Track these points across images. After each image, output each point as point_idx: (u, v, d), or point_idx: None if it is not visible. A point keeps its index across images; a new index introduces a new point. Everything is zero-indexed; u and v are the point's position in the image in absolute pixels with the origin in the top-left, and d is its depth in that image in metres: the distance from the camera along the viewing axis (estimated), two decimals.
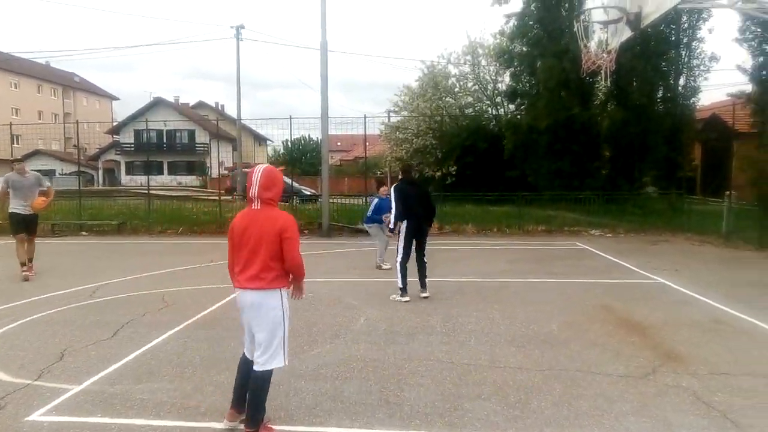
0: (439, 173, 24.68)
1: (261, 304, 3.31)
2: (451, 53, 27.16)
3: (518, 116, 23.32)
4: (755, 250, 11.77)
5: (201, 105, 57.55)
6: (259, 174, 3.31)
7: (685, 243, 13.26)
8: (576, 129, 18.44)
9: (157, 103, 49.31)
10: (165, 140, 49.94)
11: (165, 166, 48.38)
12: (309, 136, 46.21)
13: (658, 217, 15.84)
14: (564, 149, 18.65)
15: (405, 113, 28.39)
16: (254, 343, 3.39)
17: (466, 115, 26.78)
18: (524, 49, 21.13)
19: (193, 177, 45.42)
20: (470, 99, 28.19)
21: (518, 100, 23.45)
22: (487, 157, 23.08)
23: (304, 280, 3.54)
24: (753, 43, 16.96)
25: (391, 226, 7.52)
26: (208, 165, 42.02)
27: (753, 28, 16.08)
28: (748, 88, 18.08)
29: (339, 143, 53.83)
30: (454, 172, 24.21)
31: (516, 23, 21.12)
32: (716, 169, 22.44)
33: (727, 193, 14.07)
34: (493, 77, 27.05)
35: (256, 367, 3.33)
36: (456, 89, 28.09)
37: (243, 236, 3.32)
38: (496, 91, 27.00)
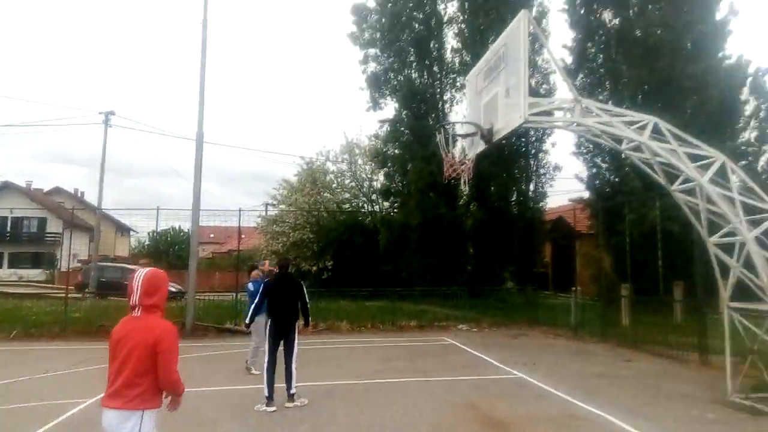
0: (315, 268, 24.56)
1: (115, 427, 2.89)
2: (329, 151, 28.27)
3: (392, 213, 24.42)
4: (599, 342, 12.92)
5: (57, 191, 52.68)
6: (141, 278, 3.07)
7: (541, 336, 14.23)
8: (444, 227, 19.68)
9: (3, 188, 44.40)
10: (9, 229, 44.46)
11: (5, 258, 42.89)
12: (179, 227, 43.51)
13: (518, 312, 16.95)
14: (433, 246, 19.69)
15: (283, 207, 28.46)
16: None
17: (343, 211, 27.47)
18: (397, 151, 22.62)
19: (40, 270, 40.52)
20: (347, 195, 29.12)
21: (392, 198, 24.65)
22: (363, 251, 23.56)
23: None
24: (587, 156, 19.76)
25: (246, 320, 7.20)
26: (58, 257, 37.98)
27: (587, 144, 18.80)
28: (585, 194, 20.82)
29: (212, 235, 51.75)
30: (330, 267, 24.28)
31: (389, 128, 22.69)
32: (564, 266, 24.94)
33: (574, 288, 15.57)
34: (369, 176, 28.37)
35: None
36: (334, 185, 28.94)
37: (117, 347, 3.01)
38: (372, 189, 28.22)
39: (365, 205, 28.79)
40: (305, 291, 7.19)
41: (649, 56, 16.90)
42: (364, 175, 28.64)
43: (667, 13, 16.46)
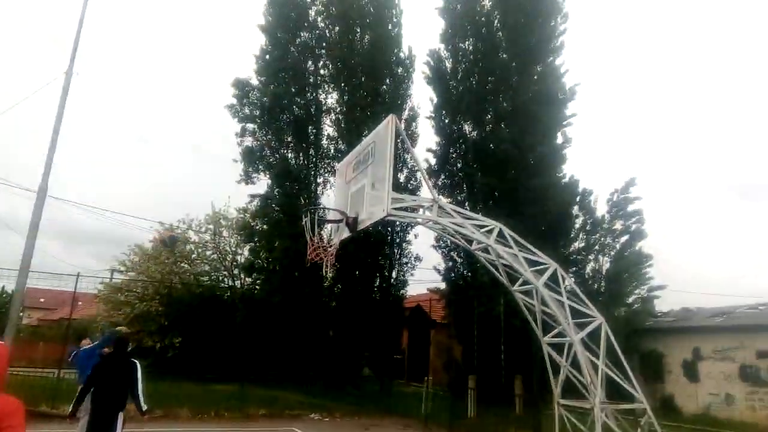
0: (160, 344, 22.46)
1: None
2: (193, 219, 26.96)
3: (254, 290, 23.56)
4: None
5: None
6: None
7: (392, 427, 14.18)
8: (306, 308, 19.37)
9: None
10: None
11: None
12: (3, 287, 37.47)
13: (372, 400, 16.85)
14: (294, 327, 19.20)
15: (132, 274, 26.15)
16: None
17: (201, 284, 25.92)
18: (265, 227, 22.25)
19: None
20: (207, 267, 27.64)
21: (255, 274, 23.87)
22: (217, 329, 22.15)
23: None
24: (445, 250, 21.12)
25: (70, 408, 6.27)
26: None
27: (445, 239, 20.13)
28: (442, 285, 22.02)
29: (42, 299, 45.41)
30: (177, 344, 22.36)
31: (260, 203, 22.40)
32: (419, 355, 25.62)
33: (426, 378, 15.96)
34: (233, 249, 27.35)
35: None
36: (194, 256, 27.39)
37: None
38: (235, 263, 27.14)
39: (225, 280, 27.48)
40: (139, 374, 6.41)
41: (499, 167, 19.05)
42: (228, 248, 27.55)
43: (515, 133, 18.89)
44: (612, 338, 8.16)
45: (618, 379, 8.10)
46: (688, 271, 56.48)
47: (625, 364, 8.19)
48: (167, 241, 6.61)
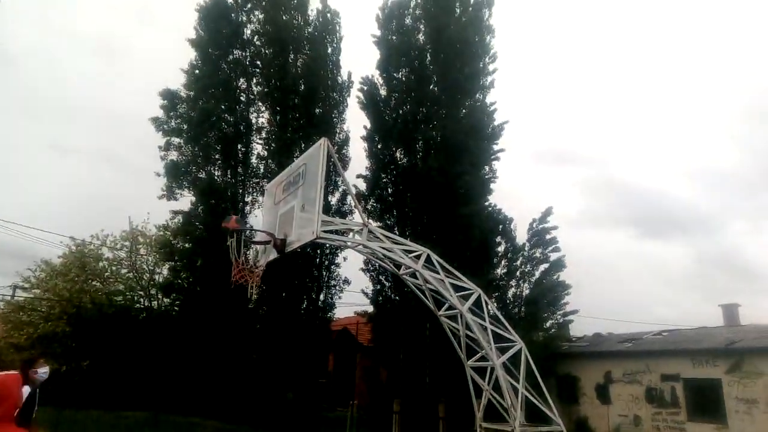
0: (66, 367, 20.82)
1: None
2: (108, 235, 25.44)
3: (173, 311, 22.46)
4: None
5: None
6: None
7: None
8: (228, 330, 18.69)
9: None
10: None
11: None
12: None
13: (294, 425, 16.42)
14: (215, 350, 18.45)
15: (37, 291, 24.22)
16: None
17: (114, 304, 24.39)
18: (187, 245, 21.36)
19: None
20: (122, 287, 26.10)
21: (174, 294, 22.79)
22: (130, 352, 20.85)
23: None
24: (373, 273, 21.18)
25: None
26: None
27: (373, 262, 20.21)
28: (370, 308, 22.01)
29: None
30: (86, 367, 20.83)
31: (182, 221, 21.52)
32: (345, 378, 25.33)
33: (351, 402, 15.80)
34: (151, 267, 26.02)
35: None
36: (107, 274, 25.79)
37: None
38: (153, 283, 25.80)
39: (142, 300, 26.03)
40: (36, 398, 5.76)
41: (428, 194, 19.52)
42: (145, 267, 26.16)
43: (443, 161, 19.48)
44: (531, 362, 8.48)
45: (536, 402, 8.41)
46: (600, 297, 59.98)
47: (543, 387, 8.52)
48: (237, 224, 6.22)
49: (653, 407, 17.84)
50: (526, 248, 20.64)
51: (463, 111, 20.95)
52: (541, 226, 20.71)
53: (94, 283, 24.85)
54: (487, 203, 20.59)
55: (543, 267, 20.57)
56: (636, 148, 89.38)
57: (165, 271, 24.26)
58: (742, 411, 15.70)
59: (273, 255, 8.53)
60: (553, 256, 20.54)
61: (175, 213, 21.74)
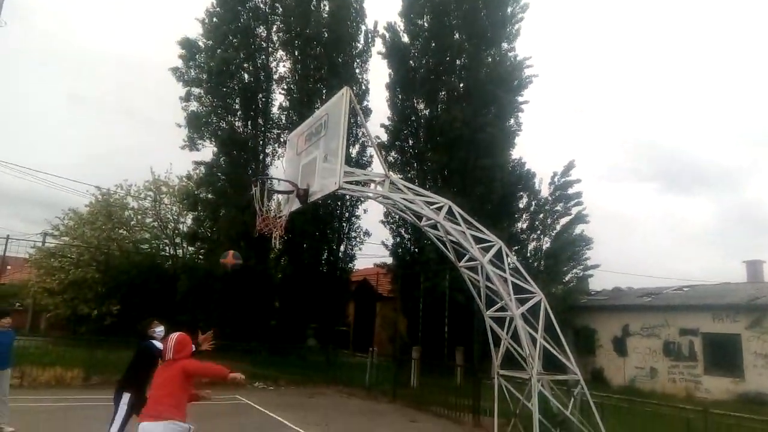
0: (96, 312, 21.68)
1: None
2: (131, 185, 25.87)
3: (197, 260, 22.99)
4: (389, 402, 13.53)
5: None
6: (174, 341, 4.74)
7: (336, 395, 14.40)
8: (251, 279, 19.10)
9: None
10: None
11: None
12: None
13: (316, 370, 16.99)
14: (239, 298, 18.93)
15: (66, 239, 24.96)
16: None
17: (141, 252, 25.06)
18: (210, 196, 21.59)
19: None
20: (147, 235, 26.73)
21: (198, 243, 23.26)
22: (158, 298, 21.54)
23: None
24: (393, 226, 21.31)
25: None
26: None
27: (393, 214, 20.29)
28: (389, 260, 22.27)
29: None
30: (115, 312, 21.65)
31: (204, 171, 21.68)
32: (365, 327, 25.96)
33: (371, 348, 16.23)
34: (176, 217, 26.51)
35: None
36: (133, 223, 26.39)
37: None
38: (177, 232, 26.35)
39: (167, 248, 26.67)
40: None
41: (450, 146, 19.28)
42: (169, 216, 26.67)
43: (467, 113, 19.12)
44: (550, 313, 8.55)
45: (554, 352, 8.53)
46: (621, 252, 59.63)
47: (561, 338, 8.62)
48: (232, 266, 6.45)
49: (670, 360, 18.01)
50: (548, 202, 20.48)
51: (488, 59, 20.38)
52: (563, 179, 20.42)
53: (120, 231, 25.50)
54: (510, 156, 20.34)
55: (564, 221, 20.44)
56: (660, 102, 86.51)
57: (189, 221, 24.71)
58: (760, 365, 15.78)
59: (296, 205, 8.57)
60: (575, 210, 20.38)
61: (198, 164, 21.88)
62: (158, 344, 6.06)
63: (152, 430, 4.32)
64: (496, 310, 8.93)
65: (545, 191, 20.61)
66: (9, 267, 29.23)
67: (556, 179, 20.52)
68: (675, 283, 22.67)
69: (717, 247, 64.56)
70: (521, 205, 20.84)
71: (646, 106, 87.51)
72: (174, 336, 4.79)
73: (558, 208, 20.47)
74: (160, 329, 6.38)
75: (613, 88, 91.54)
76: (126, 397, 5.91)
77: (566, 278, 20.34)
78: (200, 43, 21.58)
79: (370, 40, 23.16)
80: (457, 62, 20.69)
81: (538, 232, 20.39)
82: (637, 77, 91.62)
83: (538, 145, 66.48)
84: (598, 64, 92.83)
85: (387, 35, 21.89)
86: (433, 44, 20.93)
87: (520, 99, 20.91)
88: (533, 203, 20.58)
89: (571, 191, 20.33)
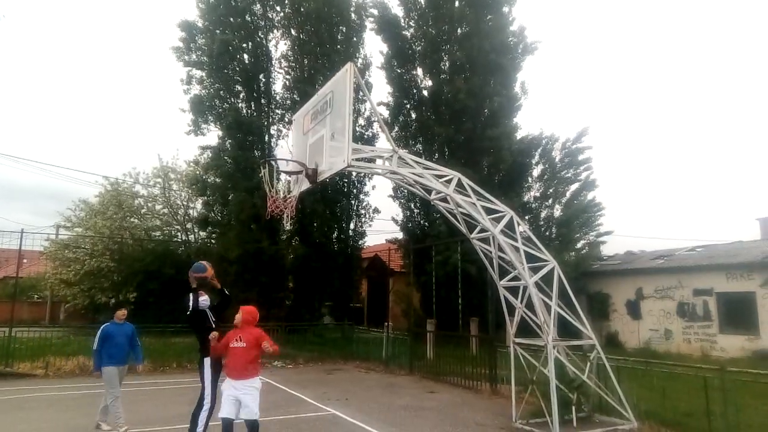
0: (114, 300, 22.05)
1: None
2: (139, 173, 26.00)
3: (209, 244, 23.17)
4: (407, 374, 13.74)
5: None
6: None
7: (354, 371, 14.63)
8: (264, 261, 19.25)
9: None
10: None
11: None
12: None
13: (334, 346, 17.23)
14: (253, 279, 19.10)
15: (79, 230, 25.25)
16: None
17: (153, 239, 25.30)
18: (218, 180, 21.62)
19: None
20: (158, 222, 26.95)
21: (210, 228, 23.41)
22: (173, 283, 21.80)
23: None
24: (402, 201, 21.30)
25: None
26: None
27: (402, 190, 20.26)
28: (400, 235, 22.33)
29: None
30: (132, 300, 22.00)
31: (211, 156, 21.68)
32: (379, 302, 26.18)
33: (386, 323, 16.40)
34: (185, 203, 26.67)
35: None
36: (143, 210, 26.59)
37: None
38: (188, 217, 26.54)
39: (179, 234, 26.89)
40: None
41: (455, 117, 19.09)
42: (179, 202, 26.84)
43: (472, 83, 18.85)
44: (564, 280, 8.55)
45: (569, 318, 8.57)
46: (633, 214, 59.31)
47: (575, 304, 8.64)
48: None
49: (684, 321, 18.06)
50: (558, 167, 20.36)
51: (489, 25, 19.96)
52: (574, 146, 20.23)
53: (132, 219, 25.75)
54: (517, 124, 20.15)
55: (574, 187, 20.33)
56: (675, 60, 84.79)
57: (199, 206, 24.86)
58: None
59: (305, 185, 8.55)
60: (584, 176, 20.25)
61: (204, 148, 21.88)
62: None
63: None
64: (509, 280, 8.95)
65: (558, 157, 20.49)
66: (25, 260, 29.69)
67: (567, 144, 20.33)
68: (688, 243, 22.58)
69: (732, 204, 63.98)
70: (535, 173, 20.72)
71: (657, 60, 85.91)
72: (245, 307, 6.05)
73: (569, 174, 20.33)
74: (204, 298, 6.59)
75: (626, 46, 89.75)
76: (207, 361, 6.27)
77: (579, 245, 20.32)
78: (200, 25, 21.33)
79: (365, 12, 22.82)
80: (458, 31, 20.32)
81: (551, 199, 20.30)
82: (647, 33, 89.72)
83: (555, 108, 65.65)
84: (617, 23, 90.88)
85: (375, 11, 21.57)
86: (431, 13, 20.55)
87: (524, 65, 20.66)
88: (548, 171, 20.42)
89: (581, 157, 20.18)
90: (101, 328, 7.73)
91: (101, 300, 22.51)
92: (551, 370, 7.59)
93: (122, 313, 8.06)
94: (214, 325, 6.34)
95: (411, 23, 21.45)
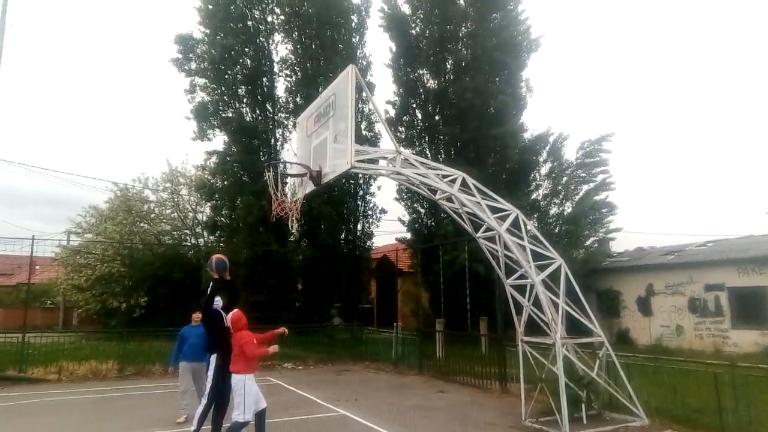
0: (125, 305, 22.22)
1: None
2: (148, 178, 26.18)
3: (218, 248, 23.28)
4: (416, 374, 13.73)
5: None
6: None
7: (364, 371, 14.64)
8: (273, 263, 19.35)
9: None
10: None
11: None
12: None
13: (343, 347, 17.26)
14: (262, 282, 19.20)
15: (89, 236, 25.48)
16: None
17: (163, 244, 25.47)
18: (225, 184, 21.72)
19: None
20: (168, 227, 27.12)
21: (218, 232, 23.51)
22: (183, 287, 21.97)
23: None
24: (407, 202, 21.31)
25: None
26: None
27: (407, 191, 20.29)
28: (407, 236, 22.33)
29: None
30: (143, 304, 22.17)
31: (218, 160, 21.78)
32: (387, 302, 26.19)
33: (395, 323, 16.40)
34: (194, 207, 26.82)
35: None
36: (153, 215, 26.77)
37: None
38: (197, 222, 26.69)
39: (189, 238, 27.06)
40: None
41: (461, 117, 19.06)
42: (188, 206, 27.00)
43: (477, 82, 18.82)
44: (571, 278, 8.52)
45: (577, 316, 8.53)
46: (643, 211, 58.87)
47: (583, 301, 8.61)
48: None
49: (696, 317, 17.91)
50: (572, 166, 20.27)
51: (494, 24, 19.92)
52: (593, 147, 20.12)
53: (141, 224, 25.92)
54: (522, 123, 20.08)
55: (587, 187, 20.24)
56: (683, 53, 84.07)
57: (207, 210, 24.98)
58: None
59: (310, 187, 8.60)
60: (600, 178, 20.18)
61: (210, 153, 22.00)
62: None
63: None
64: (516, 278, 8.93)
65: (572, 155, 20.40)
66: (37, 267, 30.00)
67: (585, 145, 20.23)
68: (698, 239, 22.39)
69: (743, 198, 63.29)
70: (543, 171, 20.63)
71: (672, 52, 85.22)
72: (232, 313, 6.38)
73: (583, 174, 20.22)
74: (217, 299, 7.08)
75: (638, 42, 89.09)
76: (212, 358, 6.77)
77: (588, 242, 20.21)
78: (199, 34, 21.45)
79: (364, 12, 22.87)
80: (463, 29, 20.30)
81: (561, 196, 20.20)
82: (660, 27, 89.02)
83: (564, 105, 65.33)
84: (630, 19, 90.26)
85: (385, 7, 21.55)
86: (436, 12, 20.54)
87: (527, 64, 20.59)
88: (556, 168, 20.32)
89: (598, 158, 20.09)
90: (181, 330, 8.70)
91: (113, 305, 22.68)
92: (560, 368, 7.56)
93: (196, 315, 8.57)
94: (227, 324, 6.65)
95: (417, 21, 21.46)
